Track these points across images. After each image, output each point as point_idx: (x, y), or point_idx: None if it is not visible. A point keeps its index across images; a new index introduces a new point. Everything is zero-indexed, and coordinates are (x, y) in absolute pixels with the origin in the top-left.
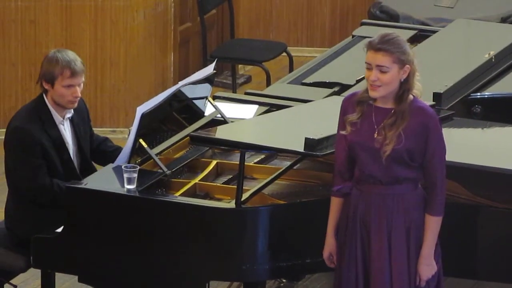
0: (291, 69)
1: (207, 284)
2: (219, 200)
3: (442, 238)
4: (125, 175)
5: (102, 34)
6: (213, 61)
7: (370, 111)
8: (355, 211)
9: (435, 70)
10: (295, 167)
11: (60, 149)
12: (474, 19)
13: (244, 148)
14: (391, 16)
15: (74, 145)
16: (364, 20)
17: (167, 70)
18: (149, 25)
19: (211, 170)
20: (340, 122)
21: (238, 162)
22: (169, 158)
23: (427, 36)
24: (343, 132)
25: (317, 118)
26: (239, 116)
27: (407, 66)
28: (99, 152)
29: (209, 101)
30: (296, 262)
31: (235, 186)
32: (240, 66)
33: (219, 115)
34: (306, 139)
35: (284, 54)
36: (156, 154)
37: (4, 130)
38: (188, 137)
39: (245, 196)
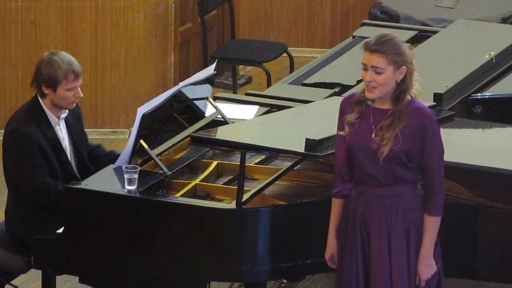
0: (291, 70)
1: (207, 285)
2: (219, 200)
3: (442, 238)
4: (126, 176)
5: (102, 35)
6: (214, 61)
7: (368, 112)
8: (354, 212)
9: (435, 71)
10: (295, 168)
11: (57, 150)
12: (474, 19)
13: (245, 148)
14: (391, 17)
15: (70, 146)
16: (364, 21)
17: (168, 70)
18: (149, 26)
19: (211, 170)
20: (339, 123)
21: (238, 163)
22: (169, 158)
23: (428, 37)
24: (341, 133)
25: (317, 118)
26: (239, 117)
27: (403, 67)
28: (94, 157)
29: (209, 101)
30: (297, 262)
31: (236, 187)
32: (240, 66)
33: (219, 116)
34: (307, 140)
35: (285, 54)
36: (157, 155)
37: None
38: (188, 138)
39: (245, 196)
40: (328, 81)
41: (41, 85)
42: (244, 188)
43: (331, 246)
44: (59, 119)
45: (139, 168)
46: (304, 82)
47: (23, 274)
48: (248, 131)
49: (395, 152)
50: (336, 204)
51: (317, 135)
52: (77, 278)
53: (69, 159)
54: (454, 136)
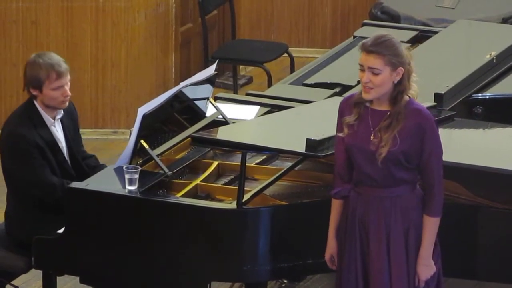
0: (292, 70)
1: (208, 285)
2: (220, 201)
3: (442, 238)
4: (127, 176)
5: (103, 35)
6: (214, 62)
7: (366, 114)
8: (353, 213)
9: (436, 71)
10: (296, 168)
11: (54, 151)
12: (475, 19)
13: (246, 149)
14: (392, 17)
15: (67, 146)
16: (365, 21)
17: (168, 71)
18: (150, 26)
19: (212, 171)
20: (338, 124)
21: (239, 163)
22: (170, 159)
23: (428, 37)
24: (340, 134)
25: (318, 119)
26: (240, 117)
27: (400, 68)
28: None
29: (210, 102)
30: (297, 263)
31: (237, 187)
32: (241, 67)
33: (220, 116)
34: (308, 140)
35: (285, 55)
36: (158, 155)
37: None
38: (189, 138)
39: (246, 197)
40: (328, 81)
41: (29, 87)
42: (245, 188)
43: (331, 246)
44: (54, 119)
45: (140, 168)
46: (305, 82)
47: (24, 274)
48: (248, 131)
49: (394, 153)
50: (336, 205)
51: (317, 135)
52: (77, 278)
53: (66, 158)
54: (454, 136)
